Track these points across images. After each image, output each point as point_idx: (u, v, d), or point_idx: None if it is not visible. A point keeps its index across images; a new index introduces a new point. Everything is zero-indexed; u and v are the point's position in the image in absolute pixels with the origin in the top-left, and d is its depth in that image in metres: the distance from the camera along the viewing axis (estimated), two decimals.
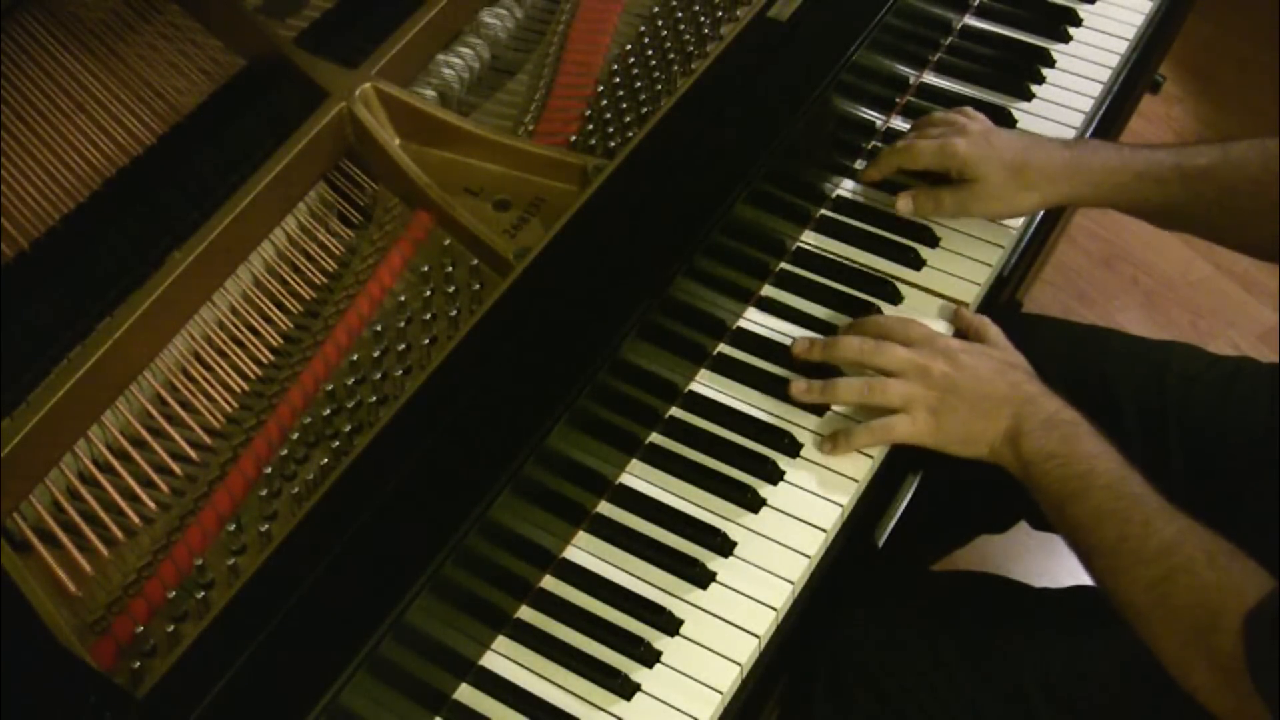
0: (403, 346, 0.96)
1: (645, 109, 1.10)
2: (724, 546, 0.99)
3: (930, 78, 1.32)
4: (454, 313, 0.98)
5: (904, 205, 1.16)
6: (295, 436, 0.92)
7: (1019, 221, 1.20)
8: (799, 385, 1.06)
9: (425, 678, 0.90)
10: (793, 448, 1.04)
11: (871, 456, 1.04)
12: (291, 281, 1.02)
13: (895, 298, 1.14)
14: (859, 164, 1.23)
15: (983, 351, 1.04)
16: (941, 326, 1.12)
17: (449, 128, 1.07)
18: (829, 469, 1.04)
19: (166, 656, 0.79)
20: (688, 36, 1.16)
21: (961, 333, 1.11)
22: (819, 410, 1.07)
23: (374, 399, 0.93)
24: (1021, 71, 1.31)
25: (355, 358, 0.96)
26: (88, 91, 1.12)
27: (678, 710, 0.92)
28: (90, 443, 0.92)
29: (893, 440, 1.03)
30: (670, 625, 0.95)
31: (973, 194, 1.13)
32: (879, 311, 1.12)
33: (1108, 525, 0.91)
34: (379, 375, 0.95)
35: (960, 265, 1.16)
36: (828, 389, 1.04)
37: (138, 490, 0.90)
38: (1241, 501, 1.09)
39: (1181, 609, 0.86)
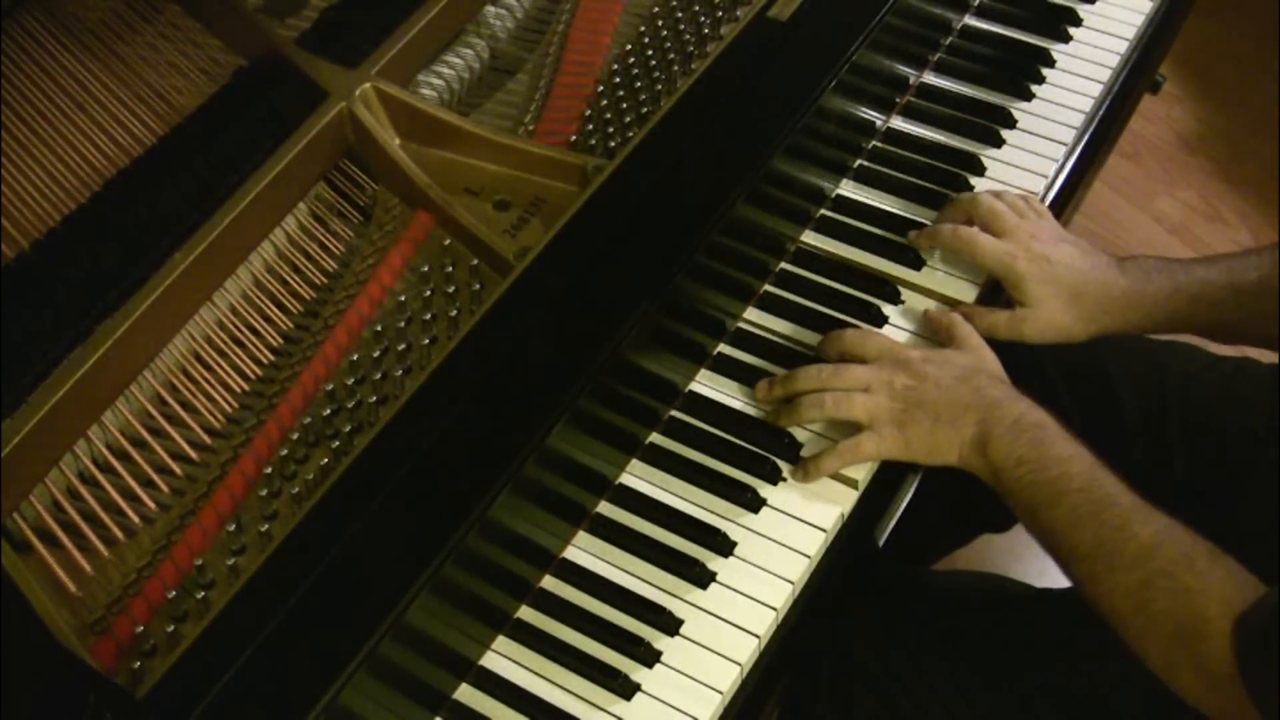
0: (403, 346, 0.96)
1: (645, 109, 1.10)
2: (724, 546, 0.99)
3: (930, 78, 1.32)
4: (454, 313, 0.98)
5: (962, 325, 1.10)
6: (295, 436, 0.92)
7: None
8: (763, 396, 1.05)
9: (425, 678, 0.90)
10: (793, 448, 1.04)
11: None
12: (291, 281, 1.02)
13: (895, 298, 1.14)
14: (859, 164, 1.23)
15: (945, 359, 1.03)
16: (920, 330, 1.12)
17: (449, 128, 1.07)
18: None
19: (166, 656, 0.79)
20: (688, 36, 1.16)
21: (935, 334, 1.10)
22: None
23: (374, 399, 0.93)
24: (1021, 71, 1.31)
25: (355, 358, 0.96)
26: (88, 91, 1.12)
27: (678, 710, 0.92)
28: (90, 443, 0.92)
29: (861, 460, 1.01)
30: (670, 625, 0.95)
31: (1026, 320, 1.09)
32: (879, 311, 1.13)
33: (1083, 529, 0.90)
34: (379, 375, 0.95)
35: (960, 265, 1.16)
36: (790, 412, 1.04)
37: (138, 490, 0.90)
38: (1242, 500, 1.09)
39: (1163, 615, 0.85)
